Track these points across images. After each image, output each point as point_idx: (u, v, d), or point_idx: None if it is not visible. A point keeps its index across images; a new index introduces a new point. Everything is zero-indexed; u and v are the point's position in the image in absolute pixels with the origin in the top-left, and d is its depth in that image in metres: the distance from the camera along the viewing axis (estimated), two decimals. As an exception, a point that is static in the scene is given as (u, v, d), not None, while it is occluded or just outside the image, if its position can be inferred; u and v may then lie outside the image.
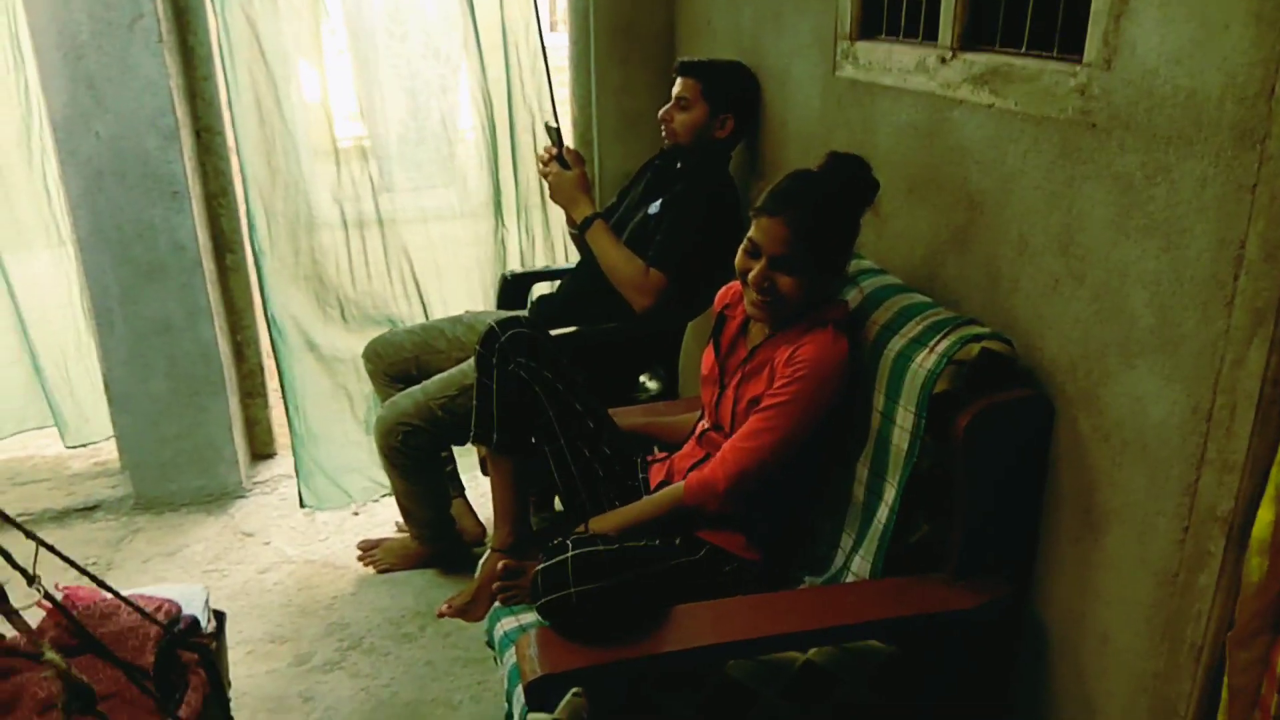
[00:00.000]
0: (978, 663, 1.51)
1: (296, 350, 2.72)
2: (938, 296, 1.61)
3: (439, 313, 2.91)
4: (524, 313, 1.76)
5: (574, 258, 2.96)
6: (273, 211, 2.69)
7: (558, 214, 3.13)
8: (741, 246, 1.57)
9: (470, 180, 3.06)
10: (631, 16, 3.06)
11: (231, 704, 1.59)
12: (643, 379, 2.59)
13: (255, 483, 2.91)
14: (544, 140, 2.56)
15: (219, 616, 1.66)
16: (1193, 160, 1.10)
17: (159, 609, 1.50)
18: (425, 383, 2.30)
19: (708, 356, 1.72)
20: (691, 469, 1.68)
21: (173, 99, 2.56)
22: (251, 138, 2.62)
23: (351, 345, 2.78)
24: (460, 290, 3.10)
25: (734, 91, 2.35)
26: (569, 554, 1.32)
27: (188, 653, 1.48)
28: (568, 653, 1.29)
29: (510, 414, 1.72)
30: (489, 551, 1.83)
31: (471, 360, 2.27)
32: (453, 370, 2.31)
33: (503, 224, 3.15)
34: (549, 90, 2.70)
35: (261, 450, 3.08)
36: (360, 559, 2.51)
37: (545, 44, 2.90)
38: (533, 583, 1.33)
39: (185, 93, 2.68)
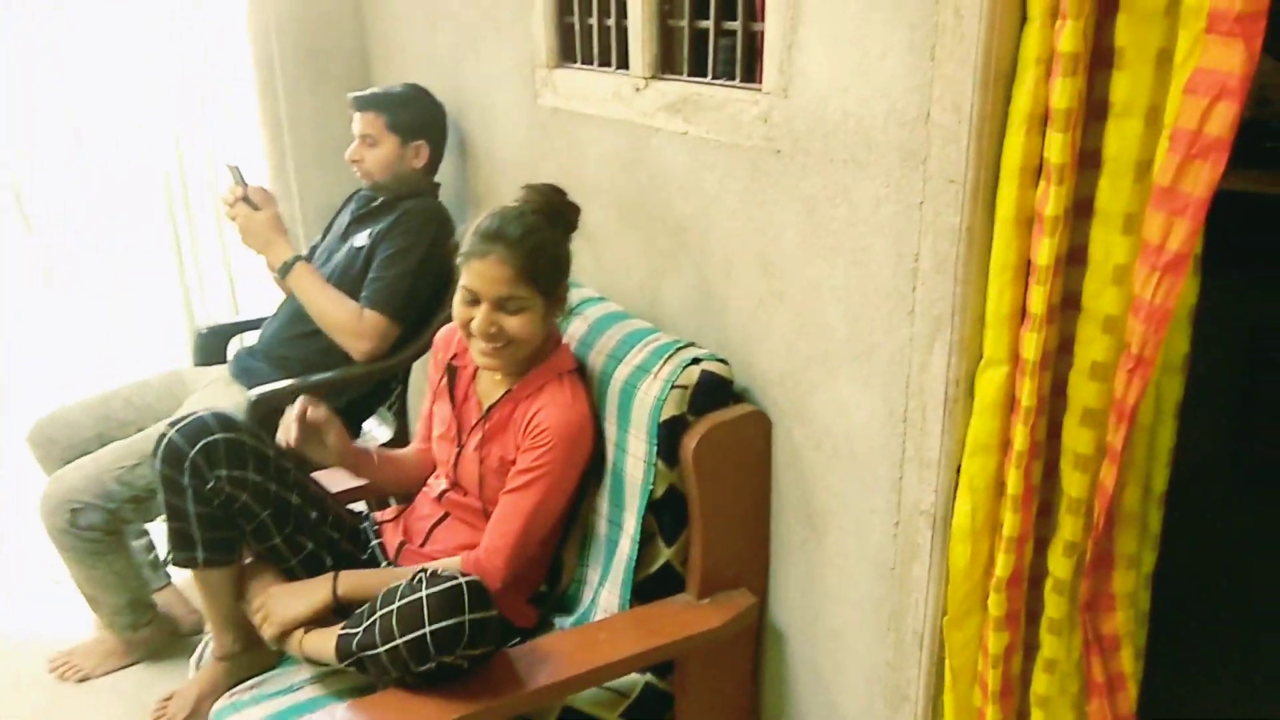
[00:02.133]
0: (727, 677, 1.54)
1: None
2: (657, 321, 1.64)
3: (122, 378, 2.58)
4: (205, 410, 1.50)
5: (278, 301, 2.75)
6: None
7: (254, 256, 2.90)
8: (457, 297, 1.48)
9: (145, 225, 2.76)
10: (319, 41, 2.90)
11: None
12: (368, 428, 2.44)
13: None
14: (229, 180, 2.34)
15: None
16: (867, 181, 1.18)
17: None
18: (99, 451, 2.02)
19: (442, 412, 1.63)
20: (434, 528, 1.59)
21: None
22: None
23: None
24: (145, 349, 2.79)
25: (420, 118, 2.27)
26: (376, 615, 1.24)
27: None
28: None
29: (214, 529, 1.50)
30: (211, 661, 1.62)
31: (157, 427, 2.03)
32: (134, 437, 2.04)
33: (188, 272, 2.87)
34: (226, 124, 2.50)
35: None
36: (53, 671, 2.16)
37: (221, 75, 2.69)
38: (339, 648, 1.29)
39: None
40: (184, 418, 1.47)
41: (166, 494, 1.46)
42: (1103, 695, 1.13)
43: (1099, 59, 0.96)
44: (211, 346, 2.46)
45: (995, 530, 1.14)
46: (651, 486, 1.41)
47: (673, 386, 1.39)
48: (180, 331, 2.82)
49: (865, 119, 1.17)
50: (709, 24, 1.47)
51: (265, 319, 2.48)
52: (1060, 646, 1.15)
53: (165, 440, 1.45)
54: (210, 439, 1.43)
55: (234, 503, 1.45)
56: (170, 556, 1.52)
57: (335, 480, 1.74)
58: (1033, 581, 1.17)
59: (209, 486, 1.43)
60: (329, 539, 1.56)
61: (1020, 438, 1.06)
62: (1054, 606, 1.14)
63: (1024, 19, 1.00)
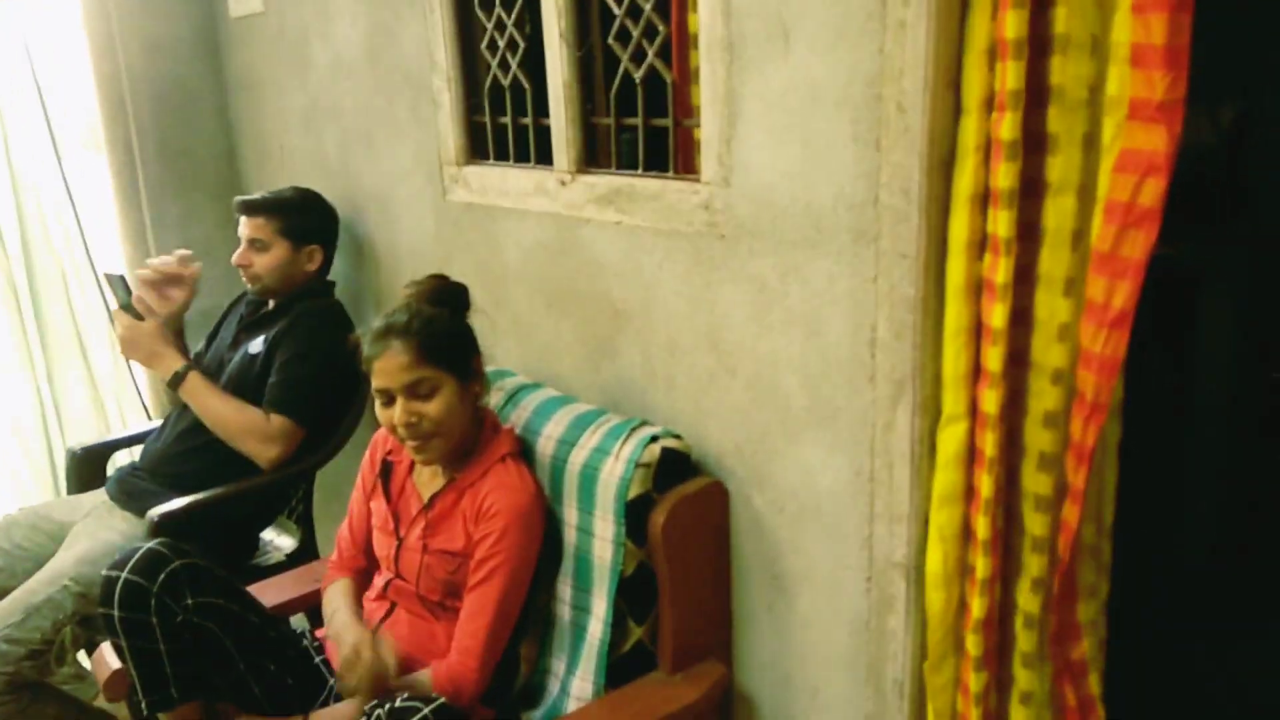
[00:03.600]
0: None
1: None
2: (595, 401, 1.67)
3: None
4: (150, 543, 1.41)
5: (162, 412, 2.59)
6: None
7: (123, 367, 2.73)
8: (377, 402, 1.48)
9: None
10: (185, 142, 2.82)
11: None
12: (268, 538, 2.31)
13: None
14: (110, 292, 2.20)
15: None
16: (820, 259, 1.27)
17: None
18: None
19: (379, 507, 1.59)
20: (379, 625, 1.53)
21: None
22: None
23: None
24: (4, 482, 2.55)
25: (314, 223, 2.22)
26: None
27: None
28: None
29: (184, 664, 1.40)
30: None
31: (40, 575, 1.87)
32: (16, 592, 1.86)
33: (43, 388, 2.66)
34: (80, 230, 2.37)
35: None
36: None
37: (68, 181, 2.56)
38: None
39: None
40: (127, 556, 1.37)
41: (128, 639, 1.36)
42: (1077, 719, 1.22)
43: (1030, 145, 1.10)
44: (87, 469, 2.28)
45: (965, 575, 1.23)
46: (622, 566, 1.43)
47: (636, 465, 1.42)
48: (39, 457, 2.59)
49: (813, 203, 1.26)
50: (637, 120, 1.55)
51: (145, 434, 2.33)
52: (1034, 678, 1.24)
53: (121, 583, 1.35)
54: (170, 568, 1.34)
55: (200, 633, 1.35)
56: (147, 706, 1.39)
57: (266, 595, 1.65)
58: (1000, 620, 1.26)
59: (178, 620, 1.34)
60: (287, 658, 1.47)
61: (987, 486, 1.16)
62: (1025, 640, 1.23)
63: (958, 110, 1.13)
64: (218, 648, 1.39)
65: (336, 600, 1.58)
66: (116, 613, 1.34)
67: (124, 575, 1.35)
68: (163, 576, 1.35)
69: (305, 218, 2.20)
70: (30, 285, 2.64)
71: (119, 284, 2.08)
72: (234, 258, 2.17)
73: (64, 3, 2.62)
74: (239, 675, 1.42)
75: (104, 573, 1.37)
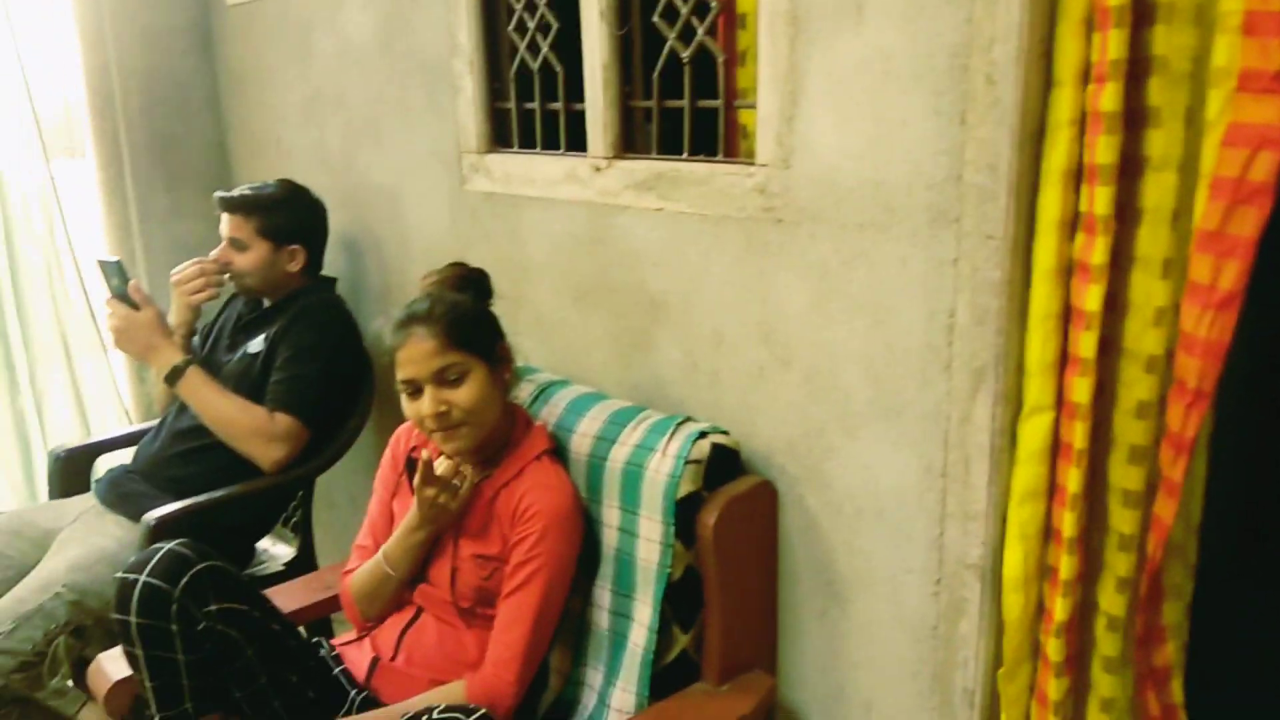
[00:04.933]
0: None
1: None
2: (627, 399, 1.59)
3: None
4: (171, 543, 1.30)
5: (143, 415, 2.47)
6: None
7: (121, 365, 2.61)
8: (402, 399, 1.39)
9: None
10: (173, 135, 2.71)
11: None
12: (265, 547, 2.20)
13: None
14: (100, 279, 2.08)
15: None
16: (890, 243, 1.21)
17: None
18: None
19: (404, 507, 1.49)
20: (406, 632, 1.43)
21: None
22: None
23: None
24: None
25: (295, 221, 2.08)
26: None
27: None
28: None
29: (202, 676, 1.30)
30: None
31: (30, 583, 1.74)
32: (3, 601, 1.74)
33: (24, 389, 2.53)
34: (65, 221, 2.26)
35: None
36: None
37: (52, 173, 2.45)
38: None
39: None
40: (145, 558, 1.26)
41: (145, 648, 1.24)
42: (1161, 727, 1.16)
43: (1125, 120, 1.05)
44: (70, 473, 2.15)
45: (1044, 576, 1.16)
46: (670, 569, 1.34)
47: (686, 462, 1.34)
48: (13, 460, 2.45)
49: (885, 183, 1.20)
50: (681, 103, 1.48)
51: (138, 435, 2.21)
52: (1116, 684, 1.18)
53: (140, 586, 1.24)
54: (193, 571, 1.24)
55: (223, 642, 1.25)
56: (155, 717, 1.28)
57: (275, 603, 1.54)
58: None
59: (200, 628, 1.23)
60: (307, 669, 1.37)
61: (1074, 480, 1.09)
62: (1108, 644, 1.16)
63: (1048, 83, 1.07)
64: (239, 658, 1.29)
65: (372, 558, 1.48)
66: (134, 619, 1.23)
67: (143, 578, 1.24)
68: (185, 580, 1.25)
69: (285, 216, 2.07)
70: (14, 282, 2.50)
71: (115, 270, 1.96)
72: (213, 255, 2.06)
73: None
74: (259, 688, 1.31)
75: (119, 575, 1.26)
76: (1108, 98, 1.00)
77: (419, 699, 1.31)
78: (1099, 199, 1.03)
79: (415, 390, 1.37)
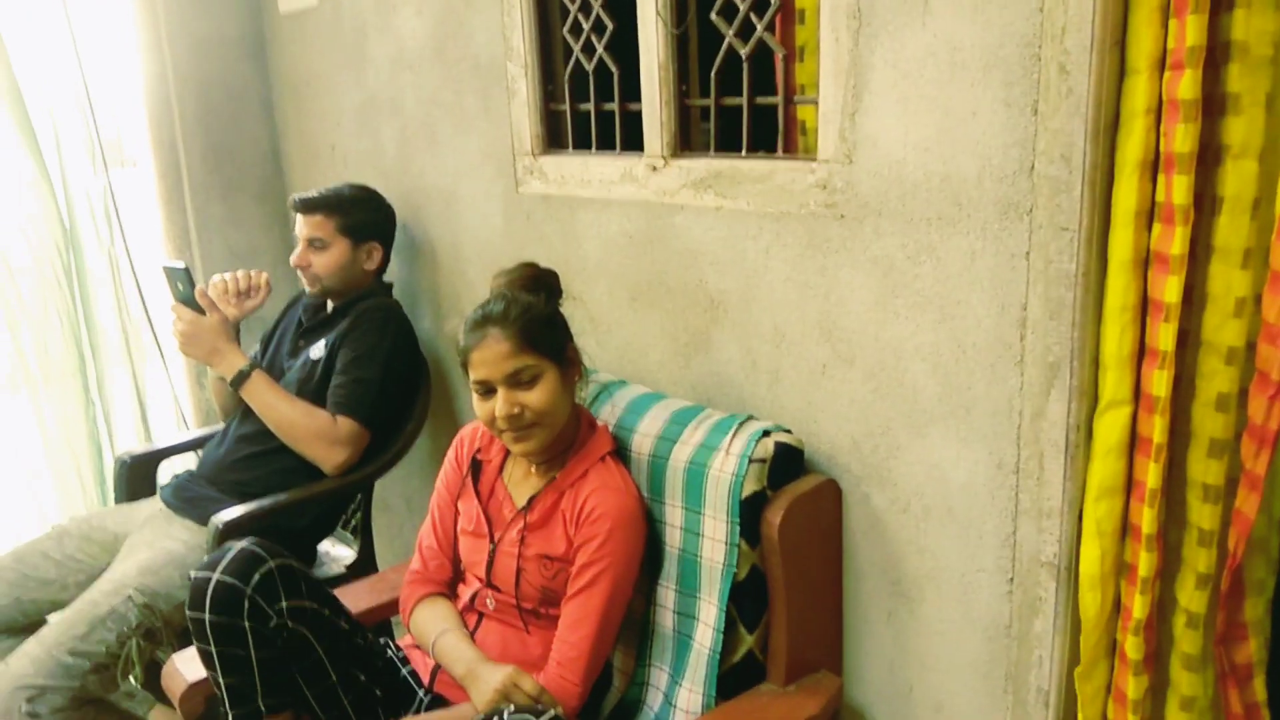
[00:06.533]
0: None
1: None
2: (688, 398, 1.59)
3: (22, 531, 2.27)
4: (242, 542, 1.32)
5: (201, 421, 2.52)
6: None
7: (180, 371, 2.66)
8: (474, 399, 1.40)
9: (39, 341, 2.47)
10: (229, 144, 2.75)
11: None
12: (326, 549, 2.23)
13: None
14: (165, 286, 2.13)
15: None
16: (958, 237, 1.20)
17: None
18: (42, 630, 1.75)
19: (469, 508, 1.51)
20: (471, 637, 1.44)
21: None
22: None
23: None
24: (50, 492, 2.47)
25: (373, 219, 2.15)
26: None
27: None
28: None
29: (274, 673, 1.32)
30: None
31: (102, 586, 1.78)
32: (76, 604, 1.78)
33: (94, 396, 2.59)
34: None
35: None
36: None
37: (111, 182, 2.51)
38: None
39: None
40: (218, 557, 1.29)
41: (218, 646, 1.26)
42: (1245, 727, 1.13)
43: (1205, 106, 1.02)
44: (137, 478, 2.20)
45: (1121, 573, 1.14)
46: (735, 569, 1.34)
47: (750, 461, 1.34)
48: (85, 466, 2.51)
49: (953, 176, 1.19)
50: (739, 100, 1.48)
51: (200, 441, 2.25)
52: (1197, 682, 1.15)
53: (213, 584, 1.26)
54: (265, 569, 1.26)
55: (294, 639, 1.27)
56: (228, 716, 1.30)
57: (347, 602, 1.56)
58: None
59: (271, 625, 1.25)
60: (375, 669, 1.39)
61: (1154, 476, 1.07)
62: (1188, 642, 1.14)
63: (1122, 72, 1.05)
64: (309, 656, 1.31)
65: (441, 621, 1.46)
66: (208, 616, 1.26)
67: (216, 576, 1.27)
68: (257, 578, 1.27)
69: (364, 214, 2.13)
70: (81, 290, 2.57)
71: (181, 276, 2.00)
72: (293, 259, 2.10)
73: (114, 4, 2.56)
74: (329, 686, 1.33)
75: (194, 573, 1.29)
76: (1186, 85, 0.98)
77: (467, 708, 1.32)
78: (1177, 188, 1.01)
79: (488, 391, 1.37)
